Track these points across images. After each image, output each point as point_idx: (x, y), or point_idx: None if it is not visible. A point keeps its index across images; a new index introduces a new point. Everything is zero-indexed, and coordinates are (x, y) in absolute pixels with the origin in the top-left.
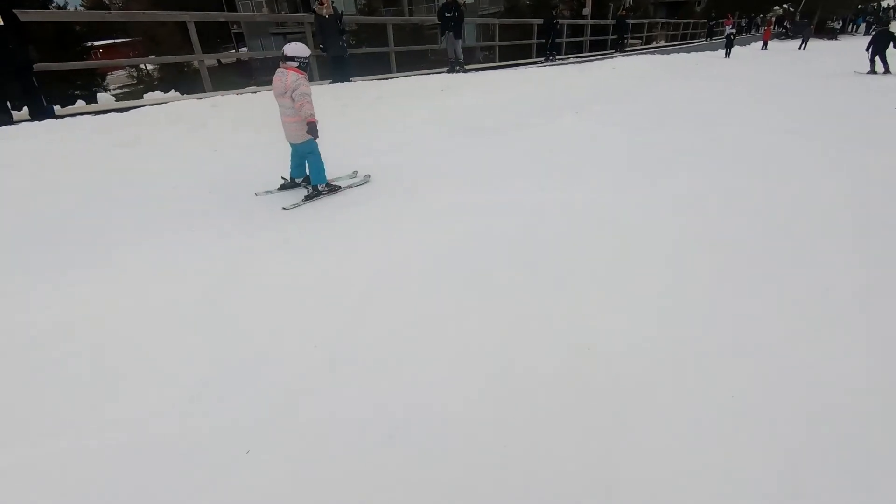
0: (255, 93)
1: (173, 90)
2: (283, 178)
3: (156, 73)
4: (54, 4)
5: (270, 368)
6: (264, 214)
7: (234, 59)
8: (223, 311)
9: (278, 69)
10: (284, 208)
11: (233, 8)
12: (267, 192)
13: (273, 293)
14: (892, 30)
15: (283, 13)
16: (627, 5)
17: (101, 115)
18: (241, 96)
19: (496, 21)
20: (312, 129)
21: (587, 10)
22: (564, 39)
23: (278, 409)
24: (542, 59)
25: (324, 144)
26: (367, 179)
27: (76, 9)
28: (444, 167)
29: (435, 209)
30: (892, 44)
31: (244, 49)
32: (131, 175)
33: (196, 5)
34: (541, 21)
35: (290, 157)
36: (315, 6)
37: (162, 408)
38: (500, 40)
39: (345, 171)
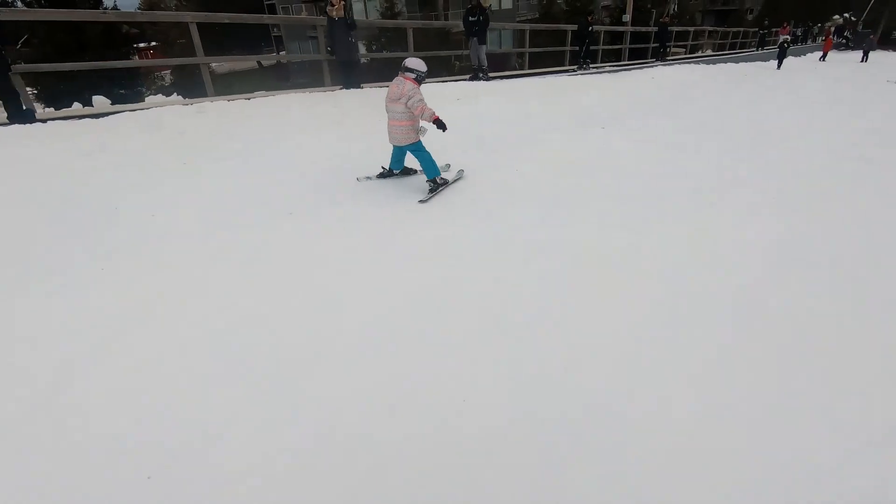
0: (250, 99)
1: (175, 94)
2: (382, 167)
3: (168, 77)
4: (104, 6)
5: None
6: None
7: (275, 62)
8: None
9: (397, 77)
10: (420, 201)
11: (273, 11)
12: (367, 177)
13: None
14: None
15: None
16: (671, 12)
17: (81, 120)
18: (231, 102)
19: (527, 27)
20: (440, 124)
21: (627, 17)
22: (601, 47)
23: None
24: (576, 66)
25: (314, 159)
26: (461, 174)
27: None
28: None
29: (404, 250)
30: None
31: (283, 52)
32: (75, 190)
33: (241, 9)
34: (575, 27)
35: (390, 154)
36: (327, 8)
37: None
38: (530, 47)
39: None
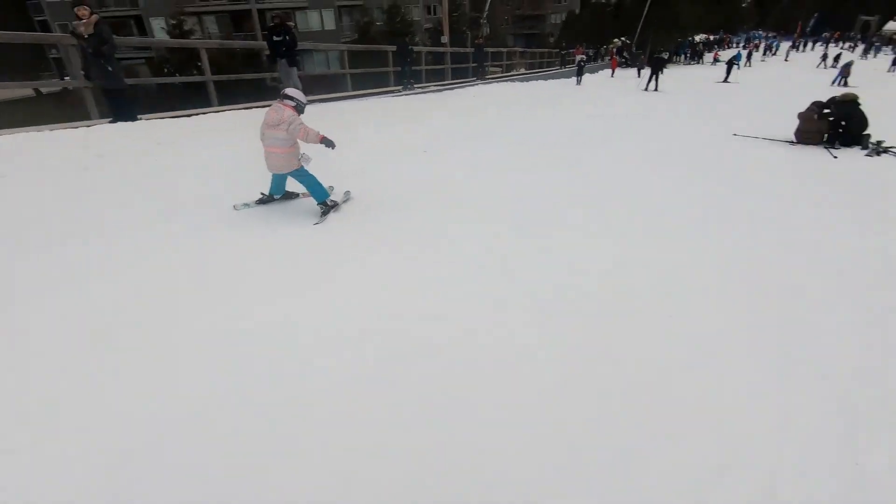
0: None
1: None
2: (261, 193)
3: None
4: None
5: None
6: None
7: (59, 88)
8: None
9: (275, 103)
10: (315, 224)
11: (47, 29)
12: (245, 204)
13: None
14: (664, 57)
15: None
16: (484, 34)
17: None
18: None
19: (344, 47)
20: (327, 142)
21: (445, 38)
22: (423, 67)
23: None
24: (401, 87)
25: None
26: (348, 196)
27: None
28: (208, 253)
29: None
30: (663, 68)
31: (68, 77)
32: None
33: (11, 27)
34: (394, 48)
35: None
36: (73, 23)
37: None
38: (355, 68)
39: None
